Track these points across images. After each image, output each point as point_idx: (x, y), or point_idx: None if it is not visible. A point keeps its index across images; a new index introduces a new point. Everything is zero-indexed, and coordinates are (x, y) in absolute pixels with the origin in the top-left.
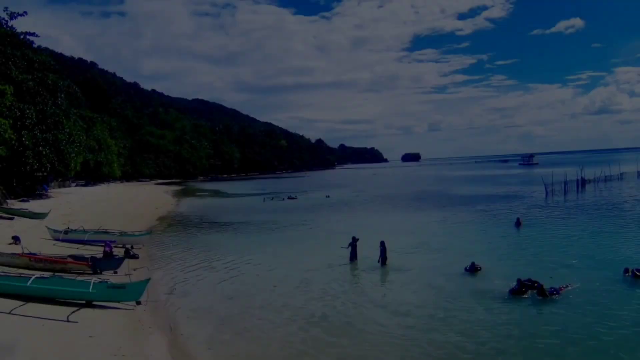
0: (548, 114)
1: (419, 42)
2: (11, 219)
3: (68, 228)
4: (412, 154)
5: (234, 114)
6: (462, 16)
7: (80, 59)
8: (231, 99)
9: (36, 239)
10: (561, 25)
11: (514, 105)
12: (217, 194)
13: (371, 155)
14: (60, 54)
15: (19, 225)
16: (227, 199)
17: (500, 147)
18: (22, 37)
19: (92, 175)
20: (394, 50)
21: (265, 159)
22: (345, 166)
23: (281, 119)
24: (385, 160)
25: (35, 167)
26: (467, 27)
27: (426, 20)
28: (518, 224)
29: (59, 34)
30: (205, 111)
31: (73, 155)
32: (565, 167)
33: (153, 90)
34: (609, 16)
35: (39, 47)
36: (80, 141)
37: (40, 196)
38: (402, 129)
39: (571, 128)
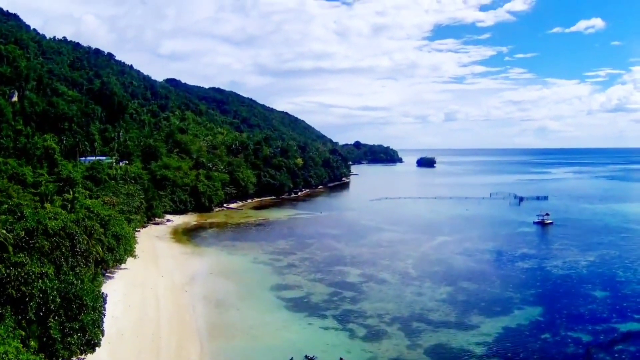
0: (564, 109)
1: (440, 32)
2: None
3: None
4: (428, 159)
5: (250, 103)
6: (484, 7)
7: (97, 50)
8: (249, 82)
9: None
10: (581, 25)
11: (531, 98)
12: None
13: (386, 155)
14: (78, 43)
15: None
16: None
17: (515, 141)
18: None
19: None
20: (414, 39)
21: (280, 183)
22: (361, 168)
23: (298, 103)
24: (400, 161)
25: (66, 356)
26: (488, 18)
27: (448, 9)
28: None
29: (82, 13)
30: (222, 101)
31: (98, 333)
32: (579, 229)
33: (169, 81)
34: (630, 15)
35: (54, 38)
36: (102, 302)
37: None
38: (418, 118)
39: (586, 124)
